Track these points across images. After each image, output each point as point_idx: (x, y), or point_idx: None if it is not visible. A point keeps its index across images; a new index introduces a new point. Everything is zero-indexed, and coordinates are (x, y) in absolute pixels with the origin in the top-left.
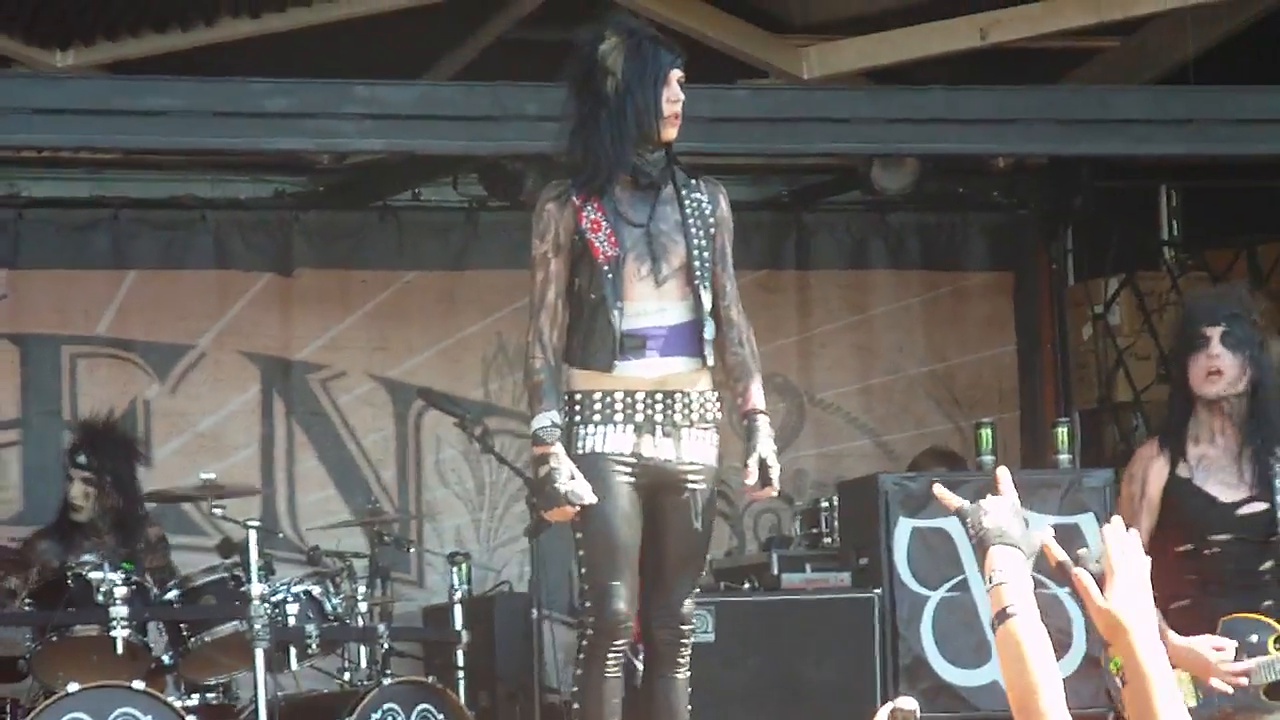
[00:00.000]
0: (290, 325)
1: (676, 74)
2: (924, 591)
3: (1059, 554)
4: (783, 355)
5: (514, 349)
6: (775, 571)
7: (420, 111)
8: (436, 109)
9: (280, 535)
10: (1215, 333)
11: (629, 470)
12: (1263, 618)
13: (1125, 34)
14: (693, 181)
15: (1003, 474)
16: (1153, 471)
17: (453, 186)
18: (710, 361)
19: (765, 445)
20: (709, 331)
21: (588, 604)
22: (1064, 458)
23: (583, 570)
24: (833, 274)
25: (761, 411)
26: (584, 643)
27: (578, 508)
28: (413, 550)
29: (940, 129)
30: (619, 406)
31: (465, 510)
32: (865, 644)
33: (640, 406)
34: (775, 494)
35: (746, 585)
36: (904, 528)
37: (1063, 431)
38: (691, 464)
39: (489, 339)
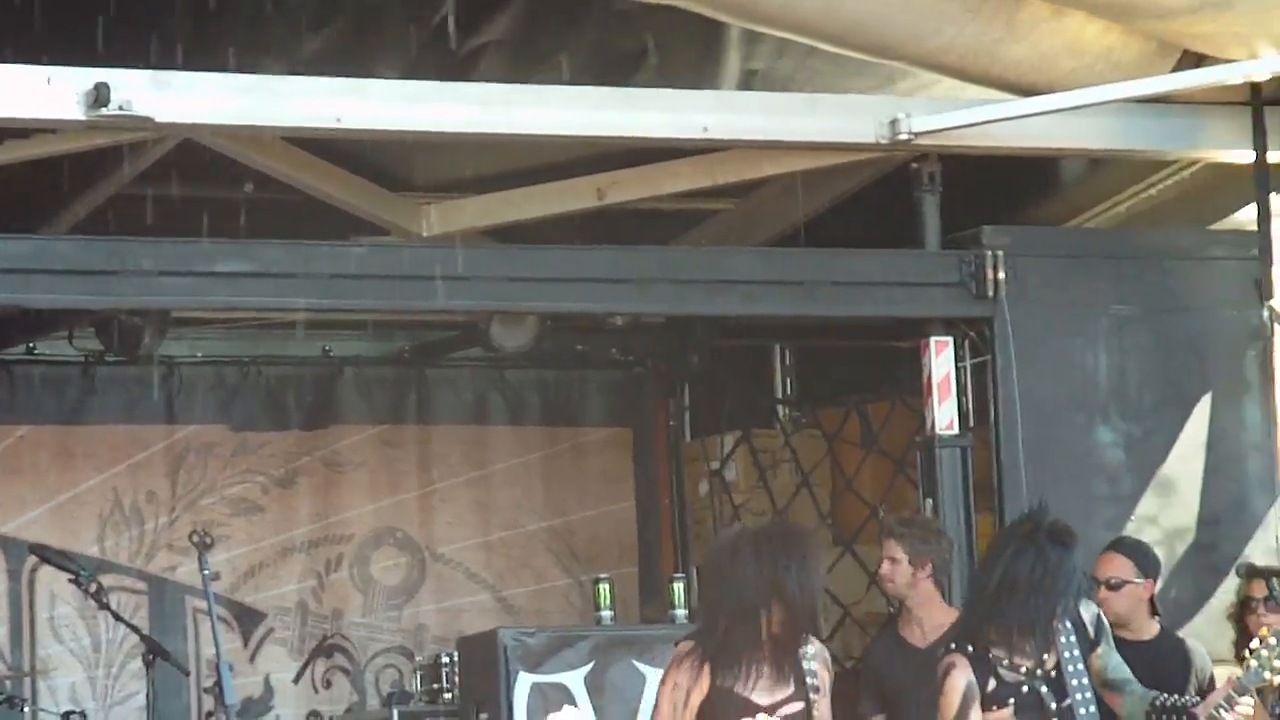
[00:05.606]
0: None
1: None
2: None
3: None
4: (403, 510)
5: (129, 505)
6: None
7: (35, 265)
8: (52, 263)
9: None
10: None
11: None
12: None
13: (739, 197)
14: None
15: None
16: None
17: (68, 341)
18: None
19: None
20: None
21: None
22: (680, 613)
23: None
24: (453, 429)
25: None
26: None
27: None
28: (26, 708)
29: (559, 287)
30: None
31: (81, 667)
32: None
33: None
34: None
35: None
36: (523, 682)
37: (678, 587)
38: None
39: (105, 495)
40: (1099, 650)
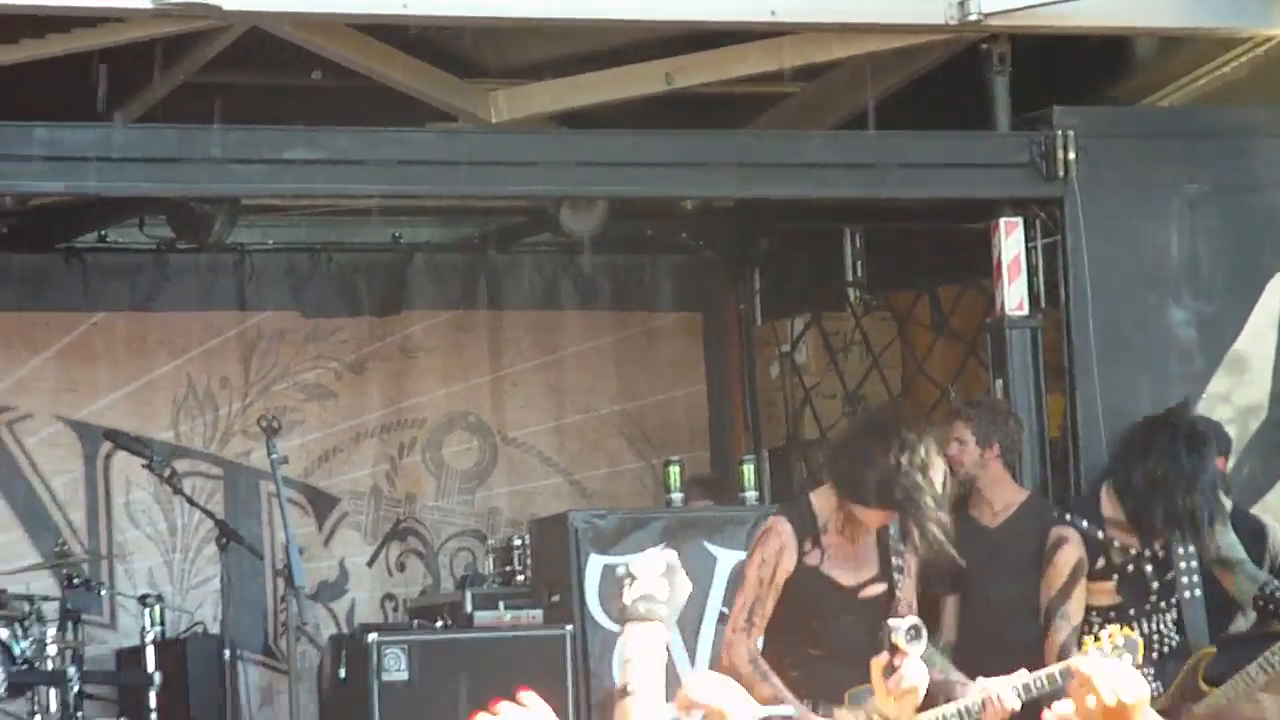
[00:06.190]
0: None
1: None
2: (615, 628)
3: None
4: (475, 394)
5: (203, 390)
6: (469, 609)
7: (104, 154)
8: (121, 151)
9: None
10: None
11: None
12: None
13: (808, 80)
14: None
15: None
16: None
17: (140, 228)
18: None
19: None
20: None
21: None
22: (750, 495)
23: None
24: (524, 314)
25: None
26: None
27: None
28: (104, 592)
29: (628, 172)
30: None
31: (158, 551)
32: (558, 680)
33: None
34: None
35: (440, 623)
36: (595, 564)
37: (749, 469)
38: None
39: (179, 380)
40: (1214, 529)
